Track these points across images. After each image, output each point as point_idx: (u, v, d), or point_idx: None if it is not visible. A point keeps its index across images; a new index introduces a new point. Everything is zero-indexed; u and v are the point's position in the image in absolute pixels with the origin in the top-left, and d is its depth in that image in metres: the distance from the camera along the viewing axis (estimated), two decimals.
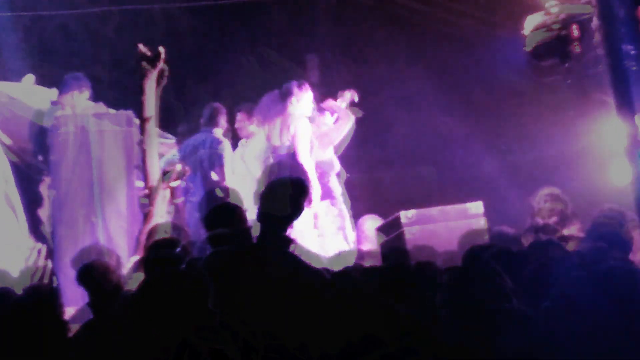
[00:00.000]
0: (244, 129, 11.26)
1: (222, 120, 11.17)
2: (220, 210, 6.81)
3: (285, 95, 10.44)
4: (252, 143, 11.14)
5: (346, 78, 14.33)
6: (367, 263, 8.02)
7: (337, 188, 10.75)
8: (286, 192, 5.67)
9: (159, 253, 6.40)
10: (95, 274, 6.68)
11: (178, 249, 6.49)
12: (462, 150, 14.10)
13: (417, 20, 14.69)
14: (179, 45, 15.14)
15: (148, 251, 6.70)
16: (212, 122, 11.13)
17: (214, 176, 10.65)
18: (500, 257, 6.02)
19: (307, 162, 10.13)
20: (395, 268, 5.96)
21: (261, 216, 5.65)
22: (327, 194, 10.59)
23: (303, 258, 5.62)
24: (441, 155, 14.43)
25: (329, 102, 11.14)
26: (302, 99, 10.44)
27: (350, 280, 5.85)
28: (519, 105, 13.16)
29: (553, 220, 8.22)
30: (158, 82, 8.45)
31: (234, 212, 6.73)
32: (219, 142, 10.83)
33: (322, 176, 10.53)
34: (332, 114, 11.16)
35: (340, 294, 5.41)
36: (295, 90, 10.44)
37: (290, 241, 5.67)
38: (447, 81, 14.27)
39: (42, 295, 7.47)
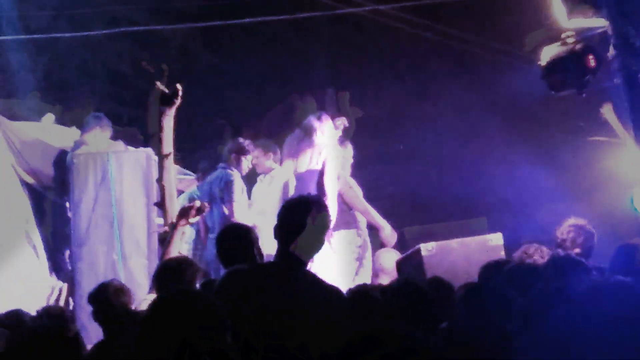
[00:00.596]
0: (261, 165, 11.24)
1: (242, 158, 11.13)
2: (231, 231, 6.96)
3: (309, 131, 10.49)
4: (270, 178, 11.13)
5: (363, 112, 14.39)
6: None
7: (362, 219, 10.78)
8: (303, 208, 5.61)
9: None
10: (107, 293, 6.76)
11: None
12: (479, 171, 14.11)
13: (440, 53, 14.76)
14: (197, 81, 15.25)
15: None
16: (229, 159, 11.15)
17: (226, 211, 10.63)
18: (516, 272, 6.00)
19: (333, 184, 10.24)
20: (411, 284, 5.93)
21: (277, 231, 5.58)
22: (352, 223, 10.64)
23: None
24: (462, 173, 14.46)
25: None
26: (325, 130, 10.51)
27: (368, 297, 5.87)
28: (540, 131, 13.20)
29: (576, 251, 8.16)
30: (170, 104, 8.47)
31: (246, 234, 6.83)
32: (228, 177, 10.73)
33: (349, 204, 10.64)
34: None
35: (358, 311, 5.42)
36: (316, 123, 10.50)
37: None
38: (465, 109, 14.32)
39: (54, 316, 7.57)
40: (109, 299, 6.82)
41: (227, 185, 10.59)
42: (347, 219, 10.65)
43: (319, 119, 10.60)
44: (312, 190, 10.08)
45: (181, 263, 6.78)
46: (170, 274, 6.59)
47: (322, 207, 5.63)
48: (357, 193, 10.95)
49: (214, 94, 16.16)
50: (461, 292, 5.69)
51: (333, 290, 5.52)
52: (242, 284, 5.34)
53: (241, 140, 11.05)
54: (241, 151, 10.93)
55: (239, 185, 10.65)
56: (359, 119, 11.83)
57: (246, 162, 10.89)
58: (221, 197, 10.62)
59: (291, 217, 5.52)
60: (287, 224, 5.51)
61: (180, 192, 11.00)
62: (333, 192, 10.36)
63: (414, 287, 5.81)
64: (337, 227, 10.36)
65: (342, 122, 11.12)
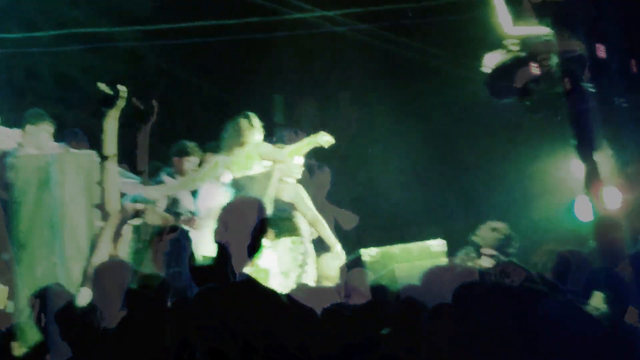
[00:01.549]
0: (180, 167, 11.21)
1: (186, 160, 11.08)
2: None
3: (240, 127, 10.50)
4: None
5: (312, 118, 14.38)
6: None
7: (305, 226, 10.74)
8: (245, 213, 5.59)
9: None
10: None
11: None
12: (426, 187, 14.13)
13: (387, 59, 14.78)
14: (147, 83, 15.15)
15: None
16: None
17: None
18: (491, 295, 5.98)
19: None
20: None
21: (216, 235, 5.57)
22: (293, 230, 10.61)
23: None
24: (408, 191, 14.45)
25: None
26: (258, 129, 10.52)
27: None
28: (484, 138, 13.23)
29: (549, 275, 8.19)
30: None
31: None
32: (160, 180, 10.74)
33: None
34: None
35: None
36: (245, 122, 10.52)
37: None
38: (416, 119, 14.34)
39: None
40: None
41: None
42: (288, 225, 10.63)
43: (247, 117, 10.60)
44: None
45: (114, 265, 6.72)
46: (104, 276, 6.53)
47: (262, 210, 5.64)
48: (307, 203, 10.93)
49: (162, 97, 16.04)
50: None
51: (305, 309, 5.50)
52: (211, 303, 5.30)
53: (185, 142, 11.02)
54: (183, 153, 10.92)
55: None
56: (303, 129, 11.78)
57: (188, 164, 10.86)
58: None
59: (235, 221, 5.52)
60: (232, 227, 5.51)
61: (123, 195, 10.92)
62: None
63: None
64: (279, 235, 10.36)
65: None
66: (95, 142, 9.67)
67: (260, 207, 5.70)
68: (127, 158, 8.92)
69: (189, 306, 5.26)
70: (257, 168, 10.44)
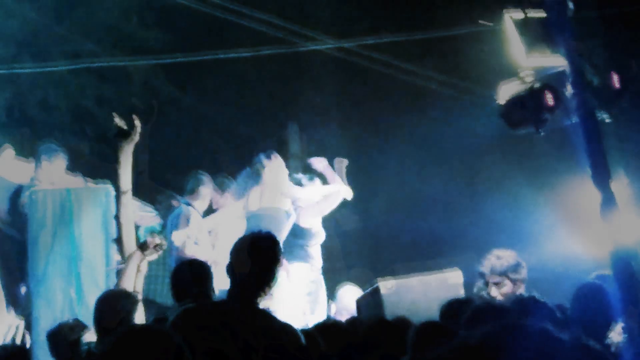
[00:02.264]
0: (215, 201, 11.24)
1: (203, 191, 11.11)
2: (186, 267, 6.96)
3: (258, 169, 10.53)
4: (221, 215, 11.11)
5: (326, 146, 14.41)
6: None
7: (318, 256, 10.77)
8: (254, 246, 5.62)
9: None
10: (64, 331, 6.77)
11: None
12: (446, 215, 14.13)
13: (397, 87, 14.82)
14: (160, 114, 15.21)
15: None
16: (192, 192, 11.09)
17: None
18: (480, 312, 5.97)
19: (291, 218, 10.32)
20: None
21: (230, 269, 5.59)
22: (306, 258, 10.64)
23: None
24: (422, 218, 14.47)
25: (320, 163, 11.22)
26: (274, 168, 10.53)
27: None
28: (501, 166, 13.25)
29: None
30: (128, 139, 8.42)
31: (201, 270, 6.83)
32: (180, 210, 10.79)
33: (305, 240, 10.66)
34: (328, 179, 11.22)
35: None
36: (265, 161, 10.53)
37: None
38: (428, 148, 14.36)
39: (12, 354, 7.50)
40: (65, 337, 6.84)
41: (177, 216, 10.61)
42: (302, 253, 10.67)
43: (268, 157, 10.63)
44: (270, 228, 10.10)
45: (117, 295, 6.77)
46: (104, 306, 6.60)
47: (274, 244, 5.66)
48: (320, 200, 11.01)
49: (175, 128, 16.13)
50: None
51: (286, 327, 5.52)
52: (196, 321, 5.31)
53: (201, 174, 11.09)
54: (199, 181, 10.97)
55: (187, 218, 10.61)
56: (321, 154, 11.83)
57: (204, 191, 10.93)
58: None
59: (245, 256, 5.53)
60: (242, 262, 5.51)
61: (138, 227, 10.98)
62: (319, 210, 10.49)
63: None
64: (292, 260, 10.41)
65: (345, 163, 11.23)
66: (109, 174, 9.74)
67: (274, 240, 5.72)
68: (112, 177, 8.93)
69: (169, 324, 5.29)
70: (280, 204, 10.50)
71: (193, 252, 10.15)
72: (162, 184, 13.45)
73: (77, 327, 7.09)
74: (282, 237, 10.25)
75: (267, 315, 5.54)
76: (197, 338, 4.73)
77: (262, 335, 5.25)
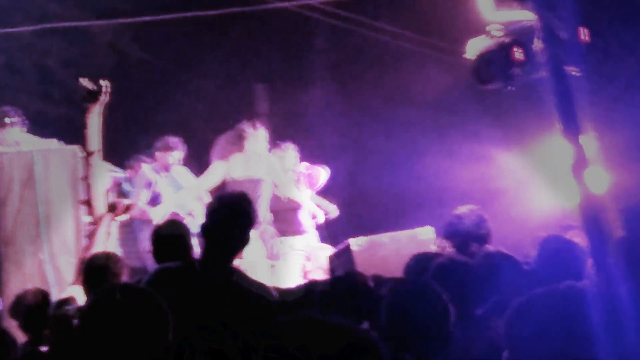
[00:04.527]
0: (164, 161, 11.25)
1: (169, 155, 11.13)
2: (165, 228, 6.96)
3: (242, 135, 10.53)
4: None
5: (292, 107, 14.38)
6: None
7: (307, 223, 10.83)
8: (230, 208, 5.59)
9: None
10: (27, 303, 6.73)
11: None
12: (413, 174, 14.13)
13: (361, 44, 14.79)
14: (128, 76, 15.09)
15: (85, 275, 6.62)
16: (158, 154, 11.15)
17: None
18: (446, 267, 5.98)
19: (296, 192, 10.53)
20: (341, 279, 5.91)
21: (205, 231, 5.56)
22: (296, 229, 10.70)
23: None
24: (391, 175, 14.48)
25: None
26: (258, 137, 10.55)
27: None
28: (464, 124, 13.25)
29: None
30: (95, 101, 8.33)
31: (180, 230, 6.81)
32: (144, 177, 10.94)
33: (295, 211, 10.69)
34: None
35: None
36: (251, 130, 10.55)
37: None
38: (392, 102, 14.35)
39: None
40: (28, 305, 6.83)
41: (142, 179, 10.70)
42: (295, 227, 10.74)
43: (254, 126, 10.65)
44: (253, 197, 10.13)
45: (107, 259, 6.69)
46: (96, 271, 6.51)
47: (248, 205, 5.62)
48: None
49: (143, 90, 16.01)
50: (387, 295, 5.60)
51: (260, 286, 5.51)
52: (169, 282, 5.29)
53: (167, 137, 11.07)
54: (167, 148, 10.98)
55: (146, 179, 10.71)
56: (290, 116, 11.82)
57: (171, 159, 10.95)
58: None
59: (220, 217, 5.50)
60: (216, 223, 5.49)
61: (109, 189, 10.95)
62: (302, 199, 10.56)
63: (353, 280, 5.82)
64: (284, 234, 10.49)
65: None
66: (78, 137, 9.65)
67: (249, 202, 5.68)
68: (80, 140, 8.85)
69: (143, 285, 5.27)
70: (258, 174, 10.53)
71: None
72: (133, 145, 13.37)
73: (38, 292, 7.08)
74: (263, 205, 10.31)
75: (241, 276, 5.53)
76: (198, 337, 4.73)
77: (236, 295, 5.25)
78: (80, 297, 6.64)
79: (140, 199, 10.68)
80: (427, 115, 14.18)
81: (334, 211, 11.19)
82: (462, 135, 13.29)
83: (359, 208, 14.38)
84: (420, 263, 6.56)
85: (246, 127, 10.63)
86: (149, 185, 10.85)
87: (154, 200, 10.86)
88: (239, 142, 10.56)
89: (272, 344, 4.92)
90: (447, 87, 12.70)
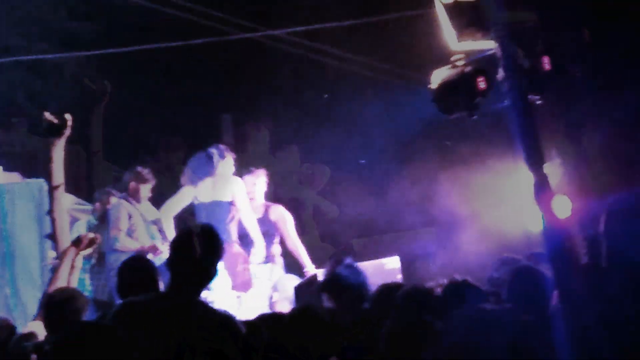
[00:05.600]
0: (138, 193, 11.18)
1: (142, 186, 11.04)
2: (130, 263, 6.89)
3: (212, 159, 10.57)
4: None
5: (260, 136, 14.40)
6: None
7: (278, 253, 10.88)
8: (196, 241, 5.57)
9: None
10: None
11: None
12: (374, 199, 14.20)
13: (331, 74, 14.83)
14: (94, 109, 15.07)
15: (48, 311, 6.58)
16: (126, 187, 11.03)
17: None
18: (412, 295, 6.01)
19: (253, 220, 10.34)
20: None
21: (171, 262, 5.54)
22: (270, 258, 10.73)
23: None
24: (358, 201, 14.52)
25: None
26: (228, 163, 10.61)
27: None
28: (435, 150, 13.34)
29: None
30: (60, 134, 8.31)
31: (146, 265, 6.78)
32: (117, 205, 10.74)
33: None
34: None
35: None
36: (220, 155, 10.61)
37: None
38: (362, 132, 14.41)
39: None
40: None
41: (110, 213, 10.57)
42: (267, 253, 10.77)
43: (222, 152, 10.70)
44: (221, 222, 10.17)
45: (69, 295, 6.65)
46: (57, 306, 6.47)
47: (215, 238, 5.60)
48: (288, 226, 11.07)
49: (107, 121, 15.99)
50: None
51: (225, 318, 5.49)
52: (134, 315, 5.26)
53: (139, 169, 11.00)
54: (139, 179, 10.89)
55: (117, 213, 10.55)
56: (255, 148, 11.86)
57: (144, 190, 10.85)
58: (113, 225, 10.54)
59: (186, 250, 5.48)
60: (183, 256, 5.47)
61: (74, 222, 10.90)
62: (256, 229, 10.52)
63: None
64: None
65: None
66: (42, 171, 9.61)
67: (215, 234, 5.67)
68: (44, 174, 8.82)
69: (109, 319, 5.25)
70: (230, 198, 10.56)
71: (127, 245, 10.18)
72: (98, 177, 13.33)
73: (5, 327, 7.00)
74: (231, 229, 10.34)
75: (207, 309, 5.50)
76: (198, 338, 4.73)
77: (201, 329, 5.23)
78: (41, 332, 6.60)
79: (121, 229, 10.48)
80: (392, 144, 14.24)
81: (334, 212, 11.22)
82: (426, 163, 13.37)
83: (330, 237, 14.42)
84: (384, 293, 6.61)
85: (215, 152, 10.68)
86: (129, 217, 10.71)
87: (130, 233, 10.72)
88: (207, 165, 10.61)
89: (272, 344, 4.95)
90: (413, 116, 12.76)
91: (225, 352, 4.82)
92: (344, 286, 7.18)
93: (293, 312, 6.15)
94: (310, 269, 10.75)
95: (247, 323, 5.88)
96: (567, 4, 9.19)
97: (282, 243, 11.19)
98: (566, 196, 9.17)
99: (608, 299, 5.26)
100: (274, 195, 12.46)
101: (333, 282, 7.25)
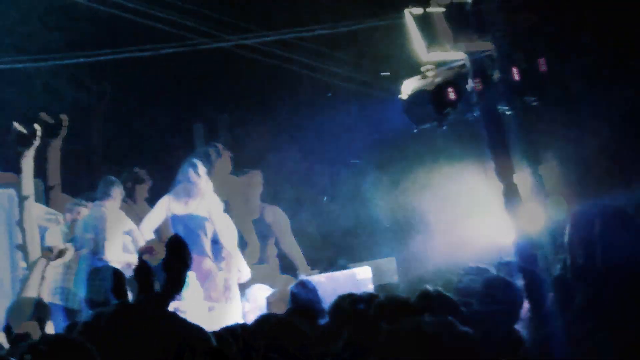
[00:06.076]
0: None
1: (116, 193, 10.96)
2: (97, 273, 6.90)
3: (186, 175, 10.59)
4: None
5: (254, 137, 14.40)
6: None
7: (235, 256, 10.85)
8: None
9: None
10: None
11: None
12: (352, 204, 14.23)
13: (302, 83, 14.87)
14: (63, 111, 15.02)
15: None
16: (105, 195, 10.92)
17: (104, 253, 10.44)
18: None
19: (230, 233, 10.55)
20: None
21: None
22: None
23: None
24: (332, 213, 14.54)
25: None
26: (205, 177, 10.63)
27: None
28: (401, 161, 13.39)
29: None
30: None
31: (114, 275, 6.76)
32: (103, 219, 10.58)
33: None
34: None
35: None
36: (198, 169, 10.61)
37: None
38: (334, 143, 14.45)
39: None
40: None
41: (100, 222, 10.46)
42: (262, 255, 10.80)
43: (197, 168, 10.67)
44: (196, 234, 10.18)
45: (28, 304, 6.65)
46: (15, 314, 6.48)
47: (182, 249, 5.62)
48: (283, 228, 11.07)
49: (81, 131, 15.91)
50: None
51: (194, 328, 5.49)
52: (103, 326, 5.26)
53: (136, 170, 10.96)
54: (137, 180, 10.84)
55: (111, 221, 10.50)
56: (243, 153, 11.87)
57: (141, 191, 10.80)
58: (96, 239, 10.43)
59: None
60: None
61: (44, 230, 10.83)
62: (233, 243, 10.53)
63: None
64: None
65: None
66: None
67: (184, 245, 5.69)
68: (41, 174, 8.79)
69: (79, 329, 5.25)
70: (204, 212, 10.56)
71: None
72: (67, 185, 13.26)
73: None
74: (203, 241, 10.33)
75: (177, 319, 5.51)
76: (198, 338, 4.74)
77: (172, 339, 5.23)
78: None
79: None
80: (364, 153, 14.28)
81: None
82: (397, 173, 13.41)
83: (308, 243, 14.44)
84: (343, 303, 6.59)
85: (193, 171, 10.66)
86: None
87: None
88: (186, 180, 10.61)
89: (272, 344, 4.96)
90: (384, 126, 12.81)
91: (225, 352, 4.85)
92: (294, 302, 7.33)
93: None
94: (304, 270, 10.78)
95: (217, 334, 5.89)
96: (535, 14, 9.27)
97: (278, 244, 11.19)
98: (538, 205, 9.22)
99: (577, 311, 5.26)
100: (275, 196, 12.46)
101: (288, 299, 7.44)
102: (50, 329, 7.02)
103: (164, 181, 11.43)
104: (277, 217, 11.24)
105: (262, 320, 5.87)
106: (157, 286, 6.08)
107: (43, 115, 8.29)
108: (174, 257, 5.59)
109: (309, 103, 15.20)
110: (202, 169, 10.71)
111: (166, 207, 10.66)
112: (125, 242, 10.71)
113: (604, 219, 5.00)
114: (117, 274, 6.84)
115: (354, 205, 14.24)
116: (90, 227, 10.52)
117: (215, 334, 6.09)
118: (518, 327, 6.47)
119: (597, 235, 4.98)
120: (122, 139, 16.44)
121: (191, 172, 10.63)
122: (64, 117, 8.28)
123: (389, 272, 9.46)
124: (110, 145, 16.24)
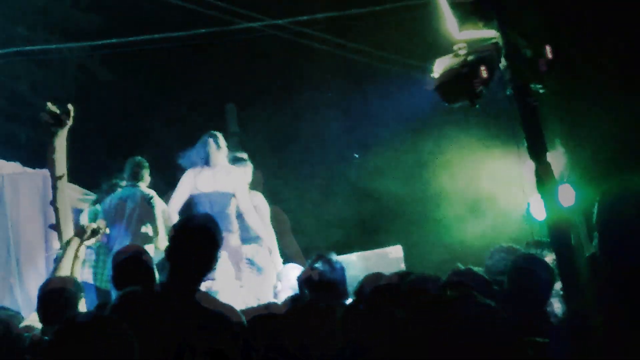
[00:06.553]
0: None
1: (146, 175, 10.99)
2: (126, 253, 6.89)
3: (208, 150, 10.57)
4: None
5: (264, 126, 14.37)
6: None
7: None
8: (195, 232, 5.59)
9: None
10: None
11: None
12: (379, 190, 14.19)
13: (335, 63, 14.83)
14: (97, 100, 15.07)
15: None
16: (136, 176, 10.93)
17: (144, 230, 10.45)
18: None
19: (248, 204, 10.31)
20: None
21: (167, 254, 5.54)
22: (255, 239, 10.72)
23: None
24: (364, 194, 14.52)
25: None
26: (223, 152, 10.59)
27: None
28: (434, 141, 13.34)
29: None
30: (62, 125, 8.33)
31: (142, 256, 6.77)
32: (149, 196, 10.62)
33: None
34: None
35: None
36: (215, 144, 10.59)
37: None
38: (365, 123, 14.40)
39: None
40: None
41: (147, 203, 10.48)
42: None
43: (219, 142, 10.67)
44: (223, 211, 10.19)
45: (59, 284, 6.66)
46: (51, 296, 6.49)
47: (213, 228, 5.61)
48: (264, 215, 11.07)
49: (112, 111, 16.00)
50: None
51: (226, 308, 5.49)
52: (134, 306, 5.28)
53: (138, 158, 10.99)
54: (141, 164, 10.87)
55: (159, 204, 10.55)
56: (258, 136, 11.84)
57: (146, 175, 10.83)
58: (140, 216, 10.45)
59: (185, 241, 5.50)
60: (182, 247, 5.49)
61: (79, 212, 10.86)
62: (258, 222, 10.50)
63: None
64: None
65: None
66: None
67: (214, 224, 5.67)
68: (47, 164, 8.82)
69: (109, 309, 5.27)
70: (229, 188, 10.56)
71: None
72: (100, 167, 13.32)
73: (14, 318, 6.99)
74: (232, 219, 10.33)
75: (206, 298, 5.51)
76: (197, 338, 4.75)
77: (199, 319, 5.24)
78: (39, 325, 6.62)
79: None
80: (396, 133, 14.24)
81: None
82: (429, 152, 13.37)
83: (333, 227, 14.43)
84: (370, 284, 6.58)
85: (215, 143, 10.66)
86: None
87: None
88: (207, 156, 10.60)
89: (272, 344, 4.96)
90: (415, 105, 12.77)
91: (225, 352, 4.83)
92: (319, 282, 7.24)
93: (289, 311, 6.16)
94: (274, 258, 10.83)
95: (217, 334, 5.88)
96: None
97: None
98: (570, 185, 9.19)
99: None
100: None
101: (310, 277, 7.31)
102: (83, 307, 7.06)
103: None
104: (259, 203, 11.20)
105: (262, 320, 5.84)
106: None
107: (50, 105, 8.30)
108: (204, 236, 5.58)
109: (338, 83, 15.20)
110: (222, 140, 10.72)
111: (191, 183, 10.66)
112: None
113: (633, 201, 4.95)
114: (122, 261, 6.86)
115: (381, 188, 14.24)
116: (130, 200, 10.58)
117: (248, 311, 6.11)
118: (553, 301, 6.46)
119: (627, 216, 4.93)
120: (152, 122, 16.50)
121: (211, 142, 10.63)
122: (70, 107, 8.29)
123: (395, 261, 9.40)
124: (142, 128, 16.29)
